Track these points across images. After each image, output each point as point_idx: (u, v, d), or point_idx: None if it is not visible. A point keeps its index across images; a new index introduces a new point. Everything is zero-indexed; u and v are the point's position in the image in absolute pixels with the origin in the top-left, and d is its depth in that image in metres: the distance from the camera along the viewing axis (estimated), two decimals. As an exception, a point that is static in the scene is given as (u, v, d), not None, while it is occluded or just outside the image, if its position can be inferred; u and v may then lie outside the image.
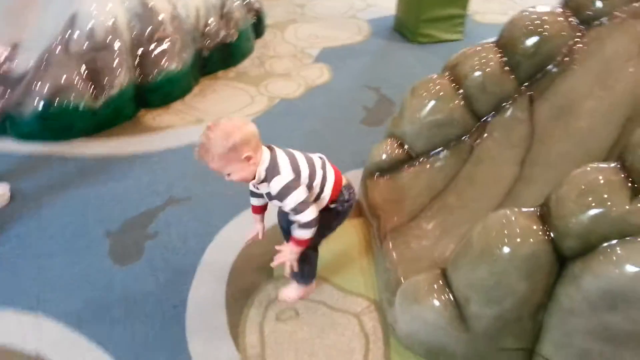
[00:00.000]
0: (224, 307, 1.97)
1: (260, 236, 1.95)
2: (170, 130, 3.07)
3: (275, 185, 1.66)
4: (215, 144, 1.58)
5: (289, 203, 1.67)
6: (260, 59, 3.94)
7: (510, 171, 1.90)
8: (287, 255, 1.78)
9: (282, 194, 1.66)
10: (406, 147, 2.17)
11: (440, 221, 1.92)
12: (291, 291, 1.99)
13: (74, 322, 1.92)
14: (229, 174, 1.65)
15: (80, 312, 1.96)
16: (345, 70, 3.78)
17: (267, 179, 1.67)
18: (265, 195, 1.77)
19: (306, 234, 1.72)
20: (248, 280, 2.08)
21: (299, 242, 1.75)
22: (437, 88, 2.14)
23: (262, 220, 1.94)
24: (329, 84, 3.59)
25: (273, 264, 1.81)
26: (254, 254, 2.18)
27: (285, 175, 1.67)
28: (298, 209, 1.67)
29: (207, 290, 2.05)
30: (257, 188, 1.78)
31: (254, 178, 1.68)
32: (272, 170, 1.67)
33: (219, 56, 3.65)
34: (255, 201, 1.89)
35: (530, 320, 1.51)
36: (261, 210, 1.91)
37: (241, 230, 2.28)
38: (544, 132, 1.90)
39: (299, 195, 1.66)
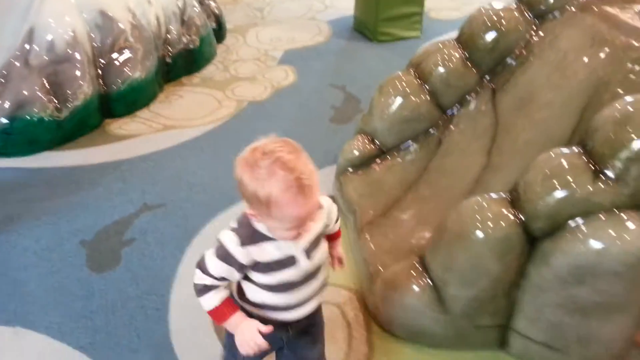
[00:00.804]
0: (206, 307, 1.99)
1: None
2: (138, 138, 3.06)
3: (326, 202, 1.36)
4: (312, 167, 1.16)
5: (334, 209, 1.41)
6: (224, 63, 3.95)
7: (478, 160, 1.98)
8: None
9: (332, 205, 1.39)
10: (377, 142, 2.23)
11: (415, 211, 1.99)
12: None
13: (56, 333, 1.91)
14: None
15: (61, 324, 1.95)
16: (310, 70, 3.84)
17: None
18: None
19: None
20: (229, 281, 2.10)
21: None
22: (403, 85, 2.22)
23: None
24: (295, 85, 3.64)
25: (342, 266, 1.48)
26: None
27: None
28: None
29: (188, 292, 2.01)
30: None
31: None
32: None
33: (182, 62, 3.65)
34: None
35: (504, 299, 1.59)
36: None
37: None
38: (507, 122, 1.99)
39: None
